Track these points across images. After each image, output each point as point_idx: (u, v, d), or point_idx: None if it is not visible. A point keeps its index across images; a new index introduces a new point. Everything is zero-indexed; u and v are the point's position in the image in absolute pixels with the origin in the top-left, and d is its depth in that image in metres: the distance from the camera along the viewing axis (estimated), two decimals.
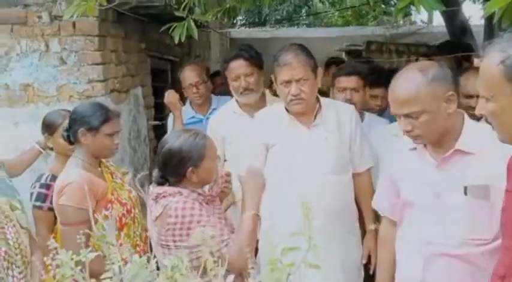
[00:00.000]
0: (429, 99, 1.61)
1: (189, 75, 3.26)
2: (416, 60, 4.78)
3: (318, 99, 2.43)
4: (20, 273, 2.04)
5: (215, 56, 6.71)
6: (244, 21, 10.75)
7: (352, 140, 2.44)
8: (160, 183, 1.94)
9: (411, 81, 1.63)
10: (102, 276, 0.91)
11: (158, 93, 4.45)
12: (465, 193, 1.66)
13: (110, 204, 2.24)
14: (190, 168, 1.86)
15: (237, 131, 2.77)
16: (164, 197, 1.86)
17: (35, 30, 3.28)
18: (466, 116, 1.73)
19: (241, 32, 8.73)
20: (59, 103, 3.28)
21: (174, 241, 1.80)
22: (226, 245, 1.79)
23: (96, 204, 2.19)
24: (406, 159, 1.85)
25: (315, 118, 2.39)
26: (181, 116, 3.22)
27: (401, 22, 8.79)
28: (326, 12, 10.72)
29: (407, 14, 8.53)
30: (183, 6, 2.84)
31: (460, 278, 1.68)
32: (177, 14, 2.98)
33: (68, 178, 2.19)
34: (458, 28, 5.68)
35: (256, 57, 2.83)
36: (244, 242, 1.81)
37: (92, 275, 1.87)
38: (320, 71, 2.42)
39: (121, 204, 2.28)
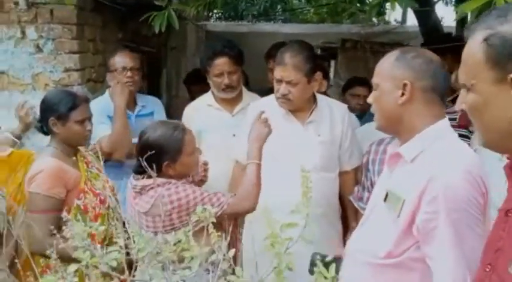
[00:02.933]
0: (385, 77, 1.48)
1: (125, 59, 2.92)
2: None
3: (314, 97, 2.48)
4: None
5: (191, 48, 6.67)
6: (220, 15, 10.71)
7: (343, 138, 2.50)
8: (138, 172, 1.94)
9: (387, 55, 1.52)
10: (110, 249, 0.93)
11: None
12: (385, 199, 1.48)
13: (82, 194, 2.23)
14: (166, 163, 1.87)
15: (212, 123, 2.81)
16: (152, 188, 1.86)
17: (11, 16, 3.21)
18: (441, 123, 1.45)
19: (217, 25, 8.68)
20: (34, 91, 3.23)
21: (181, 222, 1.84)
22: (231, 196, 1.91)
23: (68, 194, 2.18)
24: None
25: (309, 115, 2.45)
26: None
27: (375, 21, 8.90)
28: (302, 8, 10.78)
29: (381, 13, 8.66)
30: None
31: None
32: (156, 3, 2.96)
33: (40, 166, 2.18)
34: (431, 28, 5.81)
35: (240, 55, 2.86)
36: (250, 186, 1.95)
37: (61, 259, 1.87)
38: (319, 74, 2.44)
39: (94, 194, 2.27)
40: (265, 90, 3.17)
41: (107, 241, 2.17)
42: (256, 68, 4.03)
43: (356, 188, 2.45)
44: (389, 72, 1.47)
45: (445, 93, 1.46)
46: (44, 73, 3.23)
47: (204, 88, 3.30)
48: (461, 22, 4.92)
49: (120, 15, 3.92)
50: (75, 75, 3.23)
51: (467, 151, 1.44)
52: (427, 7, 5.22)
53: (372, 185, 2.32)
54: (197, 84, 4.01)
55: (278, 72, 2.36)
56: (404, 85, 1.43)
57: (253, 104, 2.68)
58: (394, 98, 1.44)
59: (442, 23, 6.15)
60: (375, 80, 1.51)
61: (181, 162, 1.92)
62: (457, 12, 2.32)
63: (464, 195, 1.30)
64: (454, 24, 5.67)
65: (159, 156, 1.86)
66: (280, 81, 2.36)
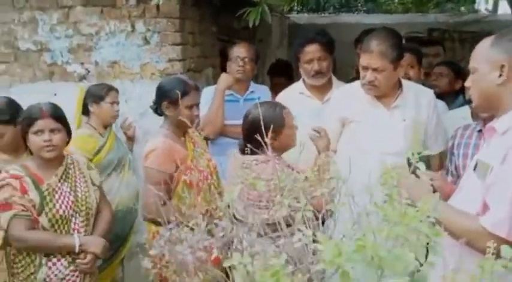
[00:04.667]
0: (482, 60, 1.60)
1: (240, 49, 3.28)
2: None
3: (400, 82, 2.54)
4: (82, 221, 2.38)
5: (275, 40, 6.87)
6: (301, 7, 10.79)
7: (429, 123, 2.55)
8: (244, 151, 2.17)
9: (482, 41, 1.64)
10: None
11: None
12: (474, 168, 1.63)
13: (188, 171, 2.49)
14: (272, 135, 2.08)
15: (303, 111, 2.89)
16: (256, 164, 2.09)
17: (122, 11, 3.54)
18: None
19: (300, 17, 8.79)
20: (141, 80, 3.57)
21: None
22: None
23: (176, 169, 2.45)
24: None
25: (395, 100, 2.51)
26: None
27: (464, 10, 8.54)
28: (384, 1, 10.59)
29: (471, 2, 8.31)
30: None
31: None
32: None
33: (153, 145, 2.48)
34: None
35: (331, 43, 2.99)
36: None
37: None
38: (407, 60, 2.56)
39: (199, 171, 2.52)
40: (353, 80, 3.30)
41: (209, 213, 2.46)
42: (339, 59, 4.12)
43: (440, 172, 2.53)
44: (486, 55, 1.59)
45: None
46: (151, 63, 3.55)
47: (286, 82, 3.53)
48: None
49: (215, 9, 4.20)
50: (178, 65, 3.53)
51: None
52: None
53: (456, 168, 2.39)
54: (280, 76, 4.22)
55: (364, 60, 2.42)
56: (502, 66, 1.55)
57: (338, 90, 2.78)
58: (492, 79, 1.58)
59: None
60: (472, 65, 1.63)
61: (285, 134, 2.14)
62: None
63: None
64: None
65: (265, 129, 2.07)
66: (366, 68, 2.42)
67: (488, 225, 1.47)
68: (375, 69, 2.40)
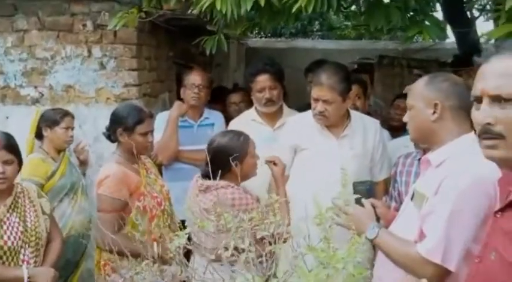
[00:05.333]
0: (418, 98, 1.72)
1: (195, 77, 3.37)
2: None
3: (348, 113, 2.69)
4: (31, 252, 2.35)
5: (233, 64, 7.00)
6: (259, 31, 10.98)
7: (375, 152, 2.70)
8: (206, 177, 2.23)
9: (419, 80, 1.77)
10: None
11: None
12: (411, 198, 1.75)
13: (142, 197, 2.51)
14: (235, 162, 2.16)
15: (255, 137, 3.00)
16: (216, 189, 2.16)
17: (79, 37, 3.56)
18: (467, 136, 1.67)
19: (257, 41, 8.95)
20: (96, 104, 3.58)
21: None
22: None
23: (130, 196, 2.46)
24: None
25: (343, 130, 2.65)
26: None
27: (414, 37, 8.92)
28: (339, 27, 10.97)
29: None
30: (214, 21, 3.13)
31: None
32: (209, 28, 3.27)
33: (107, 171, 2.49)
34: (469, 46, 5.90)
35: (280, 72, 3.13)
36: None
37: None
38: (354, 91, 2.70)
39: (152, 197, 2.55)
40: (303, 106, 3.43)
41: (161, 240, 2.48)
42: (294, 82, 4.18)
43: (384, 198, 2.66)
44: (422, 94, 1.73)
45: None
46: (106, 88, 3.57)
47: (222, 108, 3.63)
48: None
49: (171, 35, 4.27)
50: (134, 90, 3.56)
51: (484, 161, 1.65)
52: (466, 25, 5.33)
53: (400, 195, 2.53)
54: (216, 103, 4.29)
55: (315, 92, 2.57)
56: (435, 105, 1.68)
57: (291, 119, 2.90)
58: (427, 116, 1.70)
59: (481, 39, 6.18)
60: (409, 102, 1.78)
61: (247, 163, 2.22)
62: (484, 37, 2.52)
63: (469, 196, 1.54)
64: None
65: (229, 157, 2.14)
66: (317, 99, 2.57)
67: (423, 252, 1.58)
68: (325, 101, 2.55)
